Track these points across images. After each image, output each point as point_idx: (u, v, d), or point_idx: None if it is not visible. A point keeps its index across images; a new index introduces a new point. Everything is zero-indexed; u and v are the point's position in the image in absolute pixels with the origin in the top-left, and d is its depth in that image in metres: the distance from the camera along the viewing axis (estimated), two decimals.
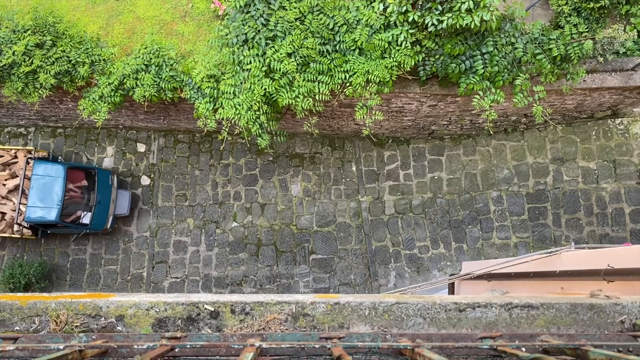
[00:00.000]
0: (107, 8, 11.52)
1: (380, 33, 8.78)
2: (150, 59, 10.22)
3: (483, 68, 9.05)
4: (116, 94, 10.43)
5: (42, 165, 12.60)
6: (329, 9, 8.98)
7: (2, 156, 13.11)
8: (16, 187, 12.87)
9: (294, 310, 2.88)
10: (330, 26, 8.96)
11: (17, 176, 12.97)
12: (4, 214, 12.98)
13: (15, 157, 13.09)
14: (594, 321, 2.91)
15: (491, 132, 12.96)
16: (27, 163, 12.67)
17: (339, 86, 9.29)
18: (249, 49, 9.07)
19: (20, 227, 12.60)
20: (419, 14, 8.36)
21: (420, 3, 8.36)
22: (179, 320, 2.89)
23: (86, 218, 12.97)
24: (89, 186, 13.11)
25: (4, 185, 12.94)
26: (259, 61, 8.99)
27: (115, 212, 13.42)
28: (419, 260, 13.09)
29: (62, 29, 10.40)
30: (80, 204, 12.88)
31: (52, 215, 12.33)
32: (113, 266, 13.69)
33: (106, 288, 13.57)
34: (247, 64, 9.04)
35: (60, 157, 13.78)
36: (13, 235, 12.78)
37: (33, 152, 12.89)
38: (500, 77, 9.18)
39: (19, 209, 12.46)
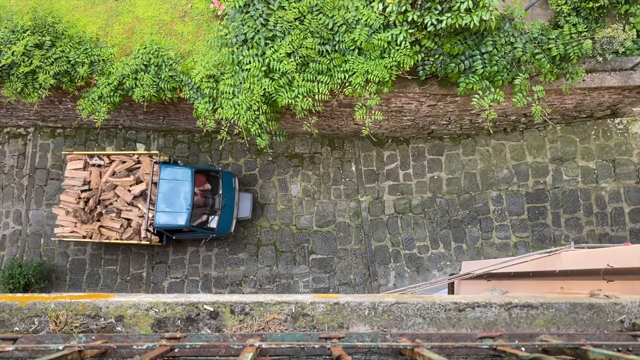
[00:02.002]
0: (107, 8, 11.51)
1: (380, 33, 8.78)
2: (150, 59, 10.22)
3: (482, 68, 9.05)
4: (115, 94, 10.42)
5: (169, 169, 12.25)
6: (328, 9, 8.98)
7: (124, 162, 12.71)
8: (142, 193, 12.42)
9: (293, 311, 2.88)
10: (330, 26, 8.96)
11: (141, 181, 12.49)
12: (129, 220, 12.58)
13: (139, 162, 12.65)
14: (594, 321, 2.91)
15: (491, 132, 12.97)
16: (152, 167, 12.28)
17: (339, 86, 9.29)
18: (248, 49, 9.07)
19: (149, 234, 12.22)
20: (418, 13, 8.36)
21: (420, 3, 8.36)
22: (179, 321, 2.89)
23: (213, 222, 12.63)
24: (213, 189, 12.77)
25: (129, 191, 12.49)
26: (259, 61, 8.99)
27: (238, 215, 13.07)
28: (419, 260, 13.09)
29: (62, 29, 10.40)
30: (206, 207, 12.56)
31: (182, 220, 11.99)
32: (112, 266, 13.69)
33: (106, 288, 13.56)
34: (247, 64, 9.04)
35: (179, 161, 13.47)
36: (141, 242, 12.36)
37: (158, 156, 12.53)
38: (500, 76, 9.18)
39: (148, 214, 12.11)
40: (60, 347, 2.43)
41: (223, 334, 2.76)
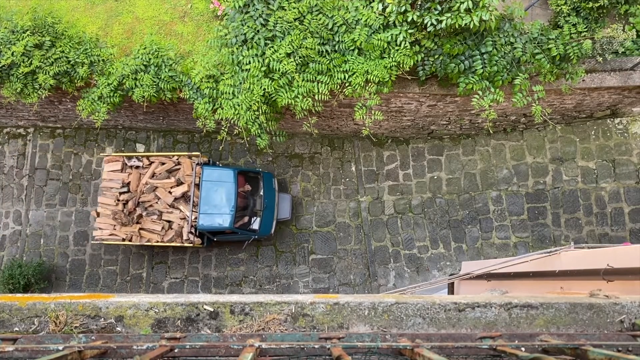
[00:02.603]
0: (106, 8, 11.52)
1: (380, 33, 8.78)
2: (150, 59, 10.22)
3: (482, 68, 9.06)
4: (115, 94, 10.42)
5: (211, 171, 12.12)
6: (328, 9, 8.98)
7: (163, 163, 12.56)
8: (183, 195, 12.26)
9: (293, 311, 2.88)
10: (330, 26, 8.96)
11: (182, 183, 12.33)
12: (170, 222, 12.41)
13: (178, 163, 12.51)
14: (594, 321, 2.91)
15: (490, 132, 12.97)
16: (193, 169, 12.13)
17: (338, 86, 9.29)
18: (248, 49, 9.07)
19: (192, 236, 12.08)
20: (418, 13, 8.36)
21: (420, 3, 8.36)
22: (179, 321, 2.89)
23: (256, 224, 12.49)
24: (253, 190, 12.62)
25: (171, 193, 12.32)
26: (258, 61, 8.99)
27: (277, 216, 12.90)
28: (419, 260, 13.09)
29: (61, 30, 10.40)
30: (247, 209, 12.41)
31: (226, 222, 11.87)
32: (112, 267, 13.68)
33: (105, 289, 13.56)
34: (247, 64, 9.04)
35: (218, 162, 13.32)
36: (184, 245, 12.19)
37: (199, 157, 12.35)
38: (500, 76, 9.18)
39: (191, 216, 11.96)
40: (60, 348, 2.43)
41: (223, 334, 2.76)
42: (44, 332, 2.85)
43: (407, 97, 10.81)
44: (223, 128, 10.09)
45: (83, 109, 10.57)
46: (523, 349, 2.49)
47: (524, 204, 12.89)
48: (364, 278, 13.22)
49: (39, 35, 10.10)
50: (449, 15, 8.11)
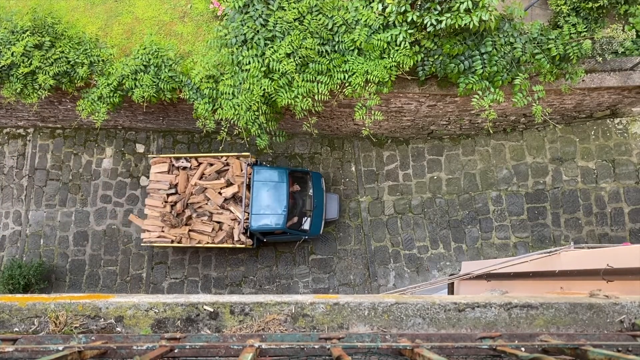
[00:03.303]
0: (106, 9, 11.52)
1: (379, 33, 8.78)
2: (149, 59, 10.22)
3: (482, 68, 9.06)
4: (115, 94, 10.42)
5: (263, 171, 12.06)
6: (327, 10, 8.98)
7: (212, 164, 12.45)
8: (233, 196, 12.18)
9: (293, 311, 2.88)
10: (329, 26, 8.96)
11: (232, 184, 12.24)
12: (220, 223, 12.29)
13: (227, 164, 12.43)
14: (593, 321, 2.92)
15: (490, 132, 12.97)
16: (242, 169, 12.03)
17: (338, 86, 9.30)
18: (248, 50, 9.07)
19: (244, 237, 11.99)
20: (417, 14, 8.36)
21: (419, 3, 8.36)
22: (179, 321, 2.89)
23: (306, 224, 12.40)
24: (301, 190, 12.54)
25: (220, 194, 12.24)
26: (258, 61, 8.99)
27: (326, 216, 12.82)
28: (419, 260, 13.09)
29: (61, 30, 10.40)
30: (297, 209, 12.32)
31: (279, 222, 11.82)
32: (112, 267, 13.68)
33: (105, 289, 13.55)
34: (246, 64, 9.04)
35: (264, 162, 13.22)
36: (236, 246, 12.09)
37: (249, 158, 12.25)
38: (500, 76, 9.19)
39: (244, 217, 11.86)
40: (60, 348, 2.43)
41: (223, 335, 2.76)
42: (44, 333, 2.85)
43: (407, 97, 10.81)
44: (223, 128, 10.09)
45: (83, 109, 10.56)
46: (523, 349, 2.49)
47: (524, 204, 12.90)
48: (364, 278, 13.22)
49: (39, 36, 10.10)
50: (448, 15, 8.11)
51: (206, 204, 12.32)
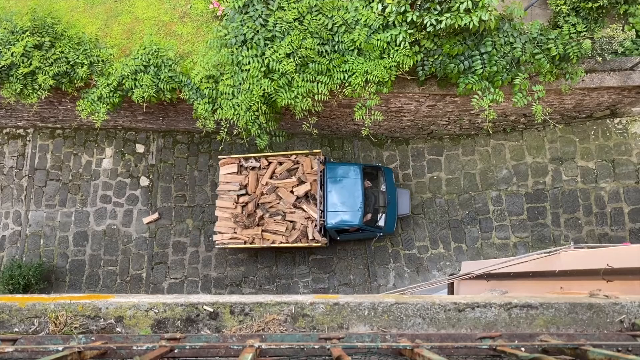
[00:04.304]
0: (106, 9, 11.51)
1: (379, 33, 8.79)
2: (149, 59, 10.22)
3: (482, 68, 9.06)
4: (115, 94, 10.42)
5: (337, 168, 11.95)
6: (327, 10, 8.98)
7: (281, 163, 12.36)
8: (306, 194, 12.07)
9: (293, 311, 2.88)
10: (329, 26, 8.96)
11: (303, 182, 12.14)
12: (294, 222, 12.16)
13: (297, 162, 12.36)
14: (593, 321, 2.92)
15: (490, 132, 12.97)
16: (313, 167, 11.92)
17: (338, 86, 9.30)
18: (247, 50, 9.07)
19: (319, 235, 11.80)
20: (417, 14, 8.36)
21: (419, 3, 8.37)
22: (178, 321, 2.89)
23: (382, 220, 12.22)
24: (374, 186, 12.34)
25: (293, 192, 12.12)
26: (258, 62, 8.99)
27: (397, 212, 12.64)
28: (418, 260, 13.09)
29: (61, 30, 10.40)
30: (370, 205, 12.11)
31: (356, 219, 11.65)
32: (112, 267, 13.68)
33: (105, 289, 13.55)
34: (246, 64, 9.05)
35: (330, 158, 13.10)
36: (312, 245, 11.89)
37: (321, 155, 12.07)
38: (499, 76, 9.19)
39: (319, 215, 11.68)
40: (60, 348, 2.43)
41: (223, 335, 2.76)
42: (44, 333, 2.85)
43: (406, 97, 10.81)
44: (223, 128, 10.09)
45: (83, 110, 10.56)
46: (523, 349, 2.49)
47: (524, 204, 12.90)
48: (364, 278, 13.22)
49: (39, 36, 10.10)
50: (448, 15, 8.11)
51: (278, 203, 12.20)
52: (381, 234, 12.35)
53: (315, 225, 11.77)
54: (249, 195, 12.32)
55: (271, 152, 12.60)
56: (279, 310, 2.88)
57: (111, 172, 14.04)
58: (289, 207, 12.13)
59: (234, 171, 12.44)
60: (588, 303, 2.94)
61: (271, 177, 12.31)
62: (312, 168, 12.07)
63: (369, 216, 12.03)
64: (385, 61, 8.84)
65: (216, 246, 12.63)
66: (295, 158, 12.35)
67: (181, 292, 13.43)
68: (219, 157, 12.85)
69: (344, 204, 11.74)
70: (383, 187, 12.39)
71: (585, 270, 5.52)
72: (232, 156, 12.57)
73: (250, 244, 12.16)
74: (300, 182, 12.16)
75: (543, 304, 2.92)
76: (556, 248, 6.79)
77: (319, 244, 11.91)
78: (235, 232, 12.23)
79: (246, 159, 12.48)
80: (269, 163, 12.43)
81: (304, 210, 12.07)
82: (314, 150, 12.22)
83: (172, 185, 13.93)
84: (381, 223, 12.24)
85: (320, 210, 11.71)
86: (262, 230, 12.17)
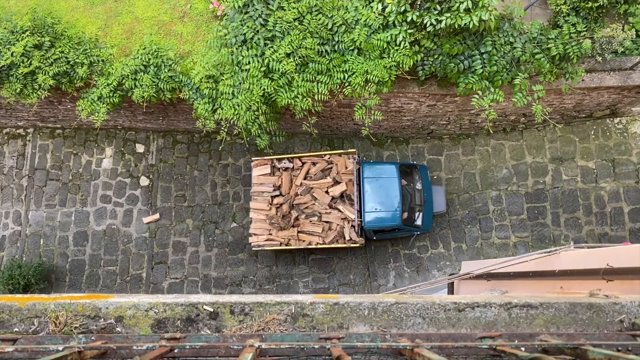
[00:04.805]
0: (106, 9, 11.51)
1: (379, 33, 8.79)
2: (149, 59, 10.22)
3: (482, 68, 9.06)
4: (115, 94, 10.42)
5: (372, 167, 11.89)
6: (327, 9, 8.98)
7: (315, 163, 12.24)
8: (342, 194, 11.95)
9: (293, 311, 2.88)
10: (329, 26, 8.96)
11: (338, 182, 12.04)
12: (329, 223, 12.02)
13: (330, 162, 12.24)
14: (593, 320, 2.92)
15: (490, 132, 12.97)
16: (347, 166, 11.82)
17: (338, 86, 9.30)
18: (247, 50, 9.07)
19: (356, 235, 11.72)
20: (417, 13, 8.36)
21: (419, 3, 8.37)
22: (178, 321, 2.89)
23: (419, 219, 12.15)
24: (409, 184, 12.24)
25: (328, 193, 12.02)
26: (258, 61, 8.99)
27: (433, 209, 12.55)
28: (418, 260, 13.09)
29: (61, 30, 10.40)
30: (406, 204, 12.01)
31: (394, 218, 11.56)
32: (112, 267, 13.68)
33: (105, 289, 13.55)
34: (246, 64, 9.04)
35: (363, 157, 13.03)
36: (350, 245, 11.81)
37: (356, 155, 12.03)
38: (499, 76, 9.19)
39: (357, 215, 11.61)
40: (60, 348, 2.43)
41: (223, 335, 2.76)
42: (44, 333, 2.85)
43: (406, 97, 10.81)
44: (223, 128, 10.09)
45: (82, 109, 10.56)
46: (523, 348, 2.49)
47: (524, 204, 12.90)
48: (363, 278, 13.22)
49: (39, 36, 10.10)
50: (448, 15, 8.11)
51: (313, 204, 12.12)
52: (418, 232, 12.29)
53: (352, 226, 11.67)
54: (283, 196, 12.25)
55: (305, 153, 12.56)
56: (279, 310, 2.88)
57: (111, 172, 14.04)
58: (325, 207, 12.01)
59: (267, 172, 12.37)
60: (588, 303, 2.94)
61: (305, 178, 12.24)
62: (346, 168, 11.98)
63: (405, 215, 11.94)
64: (385, 61, 8.84)
65: (252, 248, 12.55)
66: (329, 158, 12.24)
67: (181, 292, 13.44)
68: (252, 158, 12.77)
69: (381, 203, 11.67)
70: (419, 185, 12.31)
71: (585, 270, 5.52)
72: (265, 157, 12.50)
73: (286, 245, 12.08)
74: (335, 182, 12.07)
75: (543, 304, 2.92)
76: (556, 248, 6.78)
77: (357, 245, 11.82)
78: (271, 234, 12.16)
79: (279, 159, 12.42)
80: (303, 164, 12.35)
81: (339, 210, 11.95)
82: (349, 150, 12.16)
83: (172, 185, 13.93)
84: (419, 222, 12.15)
85: (356, 210, 11.63)
86: (298, 232, 12.06)
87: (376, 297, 2.96)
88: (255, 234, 12.32)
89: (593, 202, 12.61)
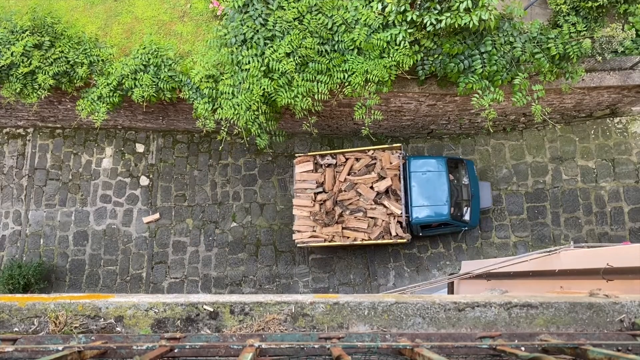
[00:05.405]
0: (106, 8, 11.51)
1: (379, 33, 8.78)
2: (149, 59, 10.21)
3: (482, 67, 9.06)
4: (115, 94, 10.42)
5: (420, 161, 11.78)
6: (327, 9, 8.98)
7: (359, 159, 12.11)
8: (387, 190, 11.77)
9: (293, 311, 2.88)
10: (329, 26, 8.96)
11: (383, 178, 11.84)
12: (375, 219, 11.84)
13: (374, 157, 12.10)
14: (593, 320, 2.92)
15: (490, 131, 12.97)
16: (392, 162, 11.70)
17: (338, 86, 9.30)
18: (247, 49, 9.07)
19: (402, 231, 11.56)
20: (417, 13, 8.36)
21: (419, 2, 8.36)
22: (178, 321, 2.89)
23: (467, 214, 12.02)
24: (456, 179, 12.13)
25: (372, 188, 11.84)
26: (258, 61, 8.99)
27: (480, 205, 12.42)
28: (418, 259, 13.09)
29: (61, 30, 10.39)
30: (453, 199, 11.88)
31: (443, 213, 11.44)
32: (112, 267, 13.68)
33: (105, 289, 13.55)
34: (246, 64, 9.04)
35: (406, 153, 12.87)
36: (397, 241, 11.64)
37: (401, 149, 11.88)
38: (499, 76, 9.19)
39: (403, 211, 11.45)
40: (60, 348, 2.43)
41: (223, 334, 2.76)
42: (44, 333, 2.85)
43: (406, 96, 10.81)
44: (223, 128, 10.08)
45: (82, 109, 10.56)
46: (523, 348, 2.49)
47: (524, 204, 12.90)
48: (363, 278, 13.22)
49: (38, 36, 10.09)
50: (448, 14, 8.11)
51: (357, 200, 11.99)
52: (466, 228, 12.20)
53: (399, 222, 11.56)
54: (327, 192, 12.16)
55: (348, 149, 12.48)
56: (279, 310, 2.88)
57: (111, 171, 14.04)
58: (370, 203, 11.86)
59: (310, 169, 12.29)
60: (588, 302, 2.94)
61: (349, 174, 12.14)
62: (390, 163, 11.87)
63: (452, 210, 11.84)
64: (385, 60, 8.84)
65: (297, 245, 12.47)
66: (373, 153, 12.11)
67: (181, 291, 13.44)
68: (295, 154, 12.68)
69: (429, 198, 11.55)
70: (465, 180, 12.21)
71: (585, 270, 5.53)
72: (307, 154, 12.42)
73: (330, 242, 11.98)
74: (380, 177, 11.94)
75: (543, 304, 2.92)
76: (556, 247, 6.79)
77: (403, 240, 11.69)
78: (315, 231, 12.07)
79: (322, 156, 12.32)
80: (346, 159, 12.25)
81: (385, 206, 11.78)
82: (393, 145, 12.04)
83: (172, 185, 13.93)
84: (467, 217, 12.05)
85: (403, 205, 11.56)
86: (343, 228, 11.96)
87: (376, 297, 2.96)
88: (299, 231, 12.22)
89: (593, 201, 12.61)
